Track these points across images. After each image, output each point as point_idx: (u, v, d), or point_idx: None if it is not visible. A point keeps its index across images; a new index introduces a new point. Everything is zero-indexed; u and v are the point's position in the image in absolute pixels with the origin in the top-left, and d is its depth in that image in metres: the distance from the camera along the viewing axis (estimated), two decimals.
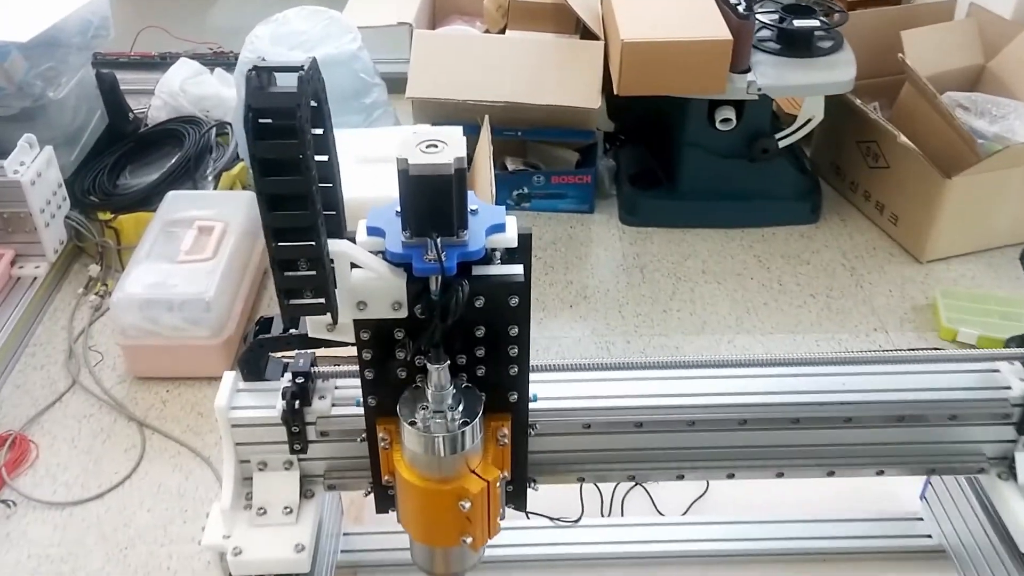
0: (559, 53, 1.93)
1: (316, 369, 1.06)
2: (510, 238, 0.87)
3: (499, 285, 0.86)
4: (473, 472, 0.91)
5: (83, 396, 1.63)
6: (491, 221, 0.86)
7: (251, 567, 1.04)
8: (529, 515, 1.28)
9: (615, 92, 1.81)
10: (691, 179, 2.00)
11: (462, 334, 0.89)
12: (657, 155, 2.11)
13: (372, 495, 1.06)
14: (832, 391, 1.11)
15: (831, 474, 1.14)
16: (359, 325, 0.88)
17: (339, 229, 0.86)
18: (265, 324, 1.14)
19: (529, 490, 1.09)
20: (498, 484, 0.94)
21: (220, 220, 1.72)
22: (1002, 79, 1.97)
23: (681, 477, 1.14)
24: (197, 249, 1.66)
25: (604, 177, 2.12)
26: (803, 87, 1.85)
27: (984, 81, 2.04)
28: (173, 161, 1.91)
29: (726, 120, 1.89)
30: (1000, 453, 1.14)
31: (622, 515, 1.40)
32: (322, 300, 0.83)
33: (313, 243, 0.79)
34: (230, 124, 2.01)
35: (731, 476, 1.15)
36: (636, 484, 1.43)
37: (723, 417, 1.09)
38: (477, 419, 0.89)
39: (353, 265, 0.84)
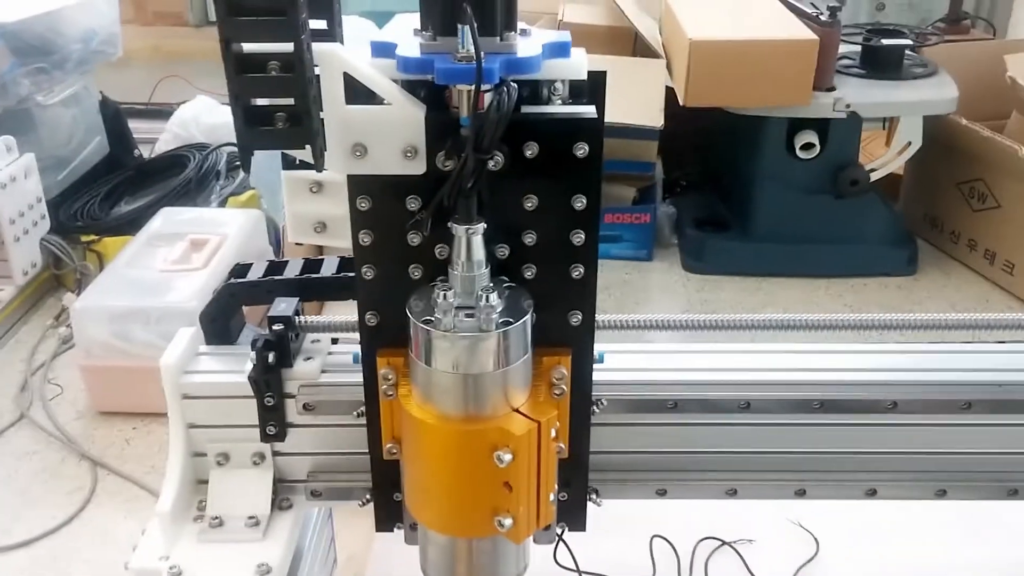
0: (616, 71, 1.70)
1: (303, 319, 0.77)
2: (576, 66, 0.60)
3: (562, 124, 0.59)
4: (517, 411, 0.60)
5: (30, 431, 1.34)
6: (550, 39, 0.60)
7: None
8: (582, 573, 0.97)
9: (681, 102, 1.57)
10: (767, 218, 1.73)
11: (505, 206, 0.61)
12: (725, 198, 1.85)
13: (372, 505, 0.75)
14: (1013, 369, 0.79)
15: (1014, 495, 0.81)
16: (356, 187, 0.60)
17: (332, 36, 0.60)
18: (240, 270, 0.87)
19: (590, 507, 0.78)
20: (552, 437, 0.63)
21: (217, 234, 1.46)
22: None
23: (802, 493, 0.81)
24: (185, 259, 1.39)
25: (664, 225, 1.85)
26: (899, 105, 1.61)
27: None
28: (174, 182, 1.68)
29: (808, 146, 1.64)
30: None
31: None
32: (299, 127, 0.55)
33: (288, 27, 0.52)
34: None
35: (873, 494, 0.82)
36: (726, 545, 1.08)
37: (864, 398, 0.77)
38: (525, 321, 0.59)
39: (350, 92, 0.57)
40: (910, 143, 1.63)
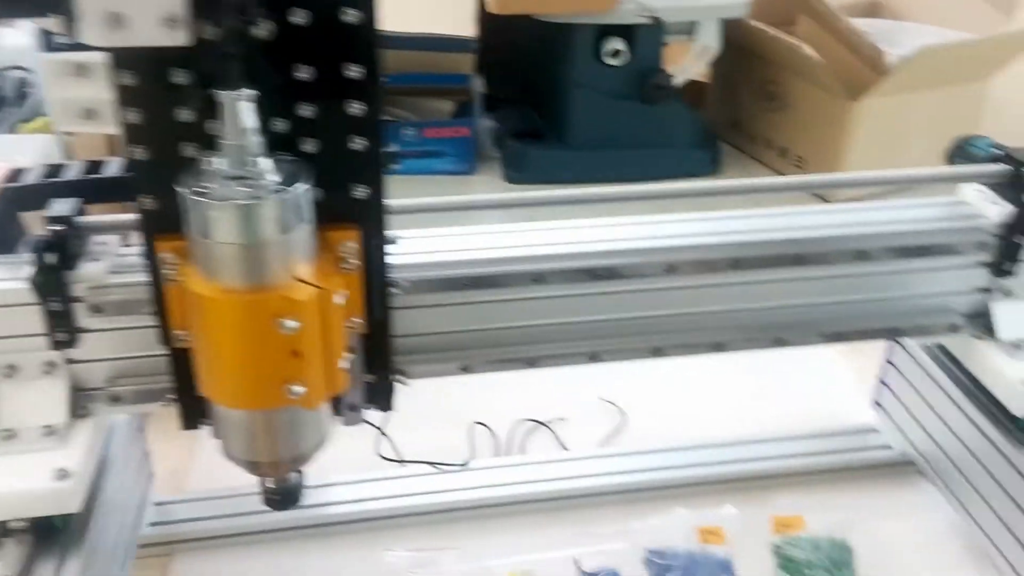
0: None
1: (87, 220, 0.76)
2: None
3: None
4: (301, 280, 0.62)
5: None
6: None
7: None
8: (404, 462, 1.01)
9: (488, 9, 1.59)
10: (581, 126, 1.79)
11: (277, 76, 0.62)
12: (542, 109, 1.90)
13: (178, 407, 0.75)
14: (779, 229, 0.88)
15: (780, 343, 0.90)
16: (117, 62, 0.60)
17: None
18: (15, 175, 0.84)
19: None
20: (341, 306, 0.65)
21: (6, 162, 1.38)
22: (896, 10, 1.87)
23: (596, 358, 0.88)
24: None
25: (484, 139, 1.89)
26: (696, 9, 1.69)
27: (879, 15, 1.94)
28: None
29: (615, 52, 1.71)
30: (973, 309, 0.93)
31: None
32: None
33: None
34: (28, 70, 1.68)
35: (659, 353, 0.89)
36: (541, 425, 1.15)
37: (646, 262, 0.84)
38: (299, 187, 0.60)
39: None
40: (707, 47, 1.72)
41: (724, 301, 0.88)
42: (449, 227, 0.88)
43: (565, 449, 1.12)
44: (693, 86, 2.08)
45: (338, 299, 0.65)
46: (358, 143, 0.66)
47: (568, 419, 1.17)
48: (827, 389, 1.25)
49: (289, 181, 0.60)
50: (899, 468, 1.09)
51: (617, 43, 1.70)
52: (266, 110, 0.61)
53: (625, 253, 0.85)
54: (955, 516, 1.00)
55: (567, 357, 0.88)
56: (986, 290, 0.92)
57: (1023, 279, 0.91)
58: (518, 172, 1.82)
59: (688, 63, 1.75)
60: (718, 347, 0.91)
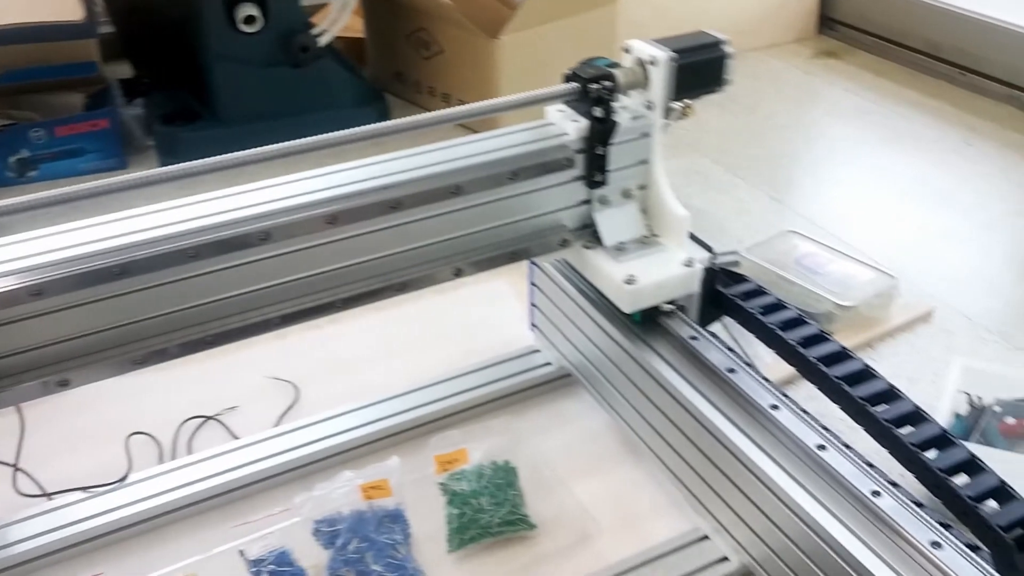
0: None
1: None
2: None
3: None
4: None
5: None
6: None
7: None
8: (50, 495, 0.93)
9: None
10: (232, 101, 1.71)
11: None
12: (190, 89, 1.80)
13: None
14: (375, 177, 0.88)
15: (402, 289, 0.91)
16: None
17: None
18: None
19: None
20: None
21: None
22: None
23: (210, 344, 0.84)
24: None
25: (133, 128, 1.76)
26: None
27: None
28: None
29: (250, 19, 1.64)
30: (580, 222, 0.98)
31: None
32: None
33: None
34: None
35: (330, 309, 0.87)
36: (209, 420, 1.10)
37: (238, 234, 0.81)
38: None
39: None
40: (346, 1, 1.70)
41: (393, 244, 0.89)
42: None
43: (236, 438, 1.08)
44: (352, 43, 2.06)
45: None
46: None
47: (238, 407, 1.13)
48: (500, 321, 1.28)
49: None
50: (559, 383, 1.14)
51: (249, 8, 1.63)
52: None
53: (276, 214, 0.83)
54: (607, 417, 1.07)
55: (188, 346, 0.83)
56: (586, 202, 0.98)
57: (616, 187, 0.98)
58: (173, 158, 1.68)
59: (330, 20, 1.72)
60: (401, 288, 0.90)
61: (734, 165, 1.74)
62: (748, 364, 0.92)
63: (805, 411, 0.85)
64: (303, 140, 0.84)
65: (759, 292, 0.99)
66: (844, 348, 0.90)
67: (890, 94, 2.09)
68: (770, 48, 2.32)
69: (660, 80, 0.93)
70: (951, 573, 0.67)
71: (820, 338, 0.91)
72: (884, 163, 1.80)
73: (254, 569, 0.87)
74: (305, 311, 0.86)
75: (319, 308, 0.86)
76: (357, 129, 0.87)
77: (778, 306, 0.97)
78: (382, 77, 2.00)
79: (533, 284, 1.14)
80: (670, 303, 0.98)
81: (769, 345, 0.95)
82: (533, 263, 1.12)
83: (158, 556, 0.92)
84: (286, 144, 0.84)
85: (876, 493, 0.75)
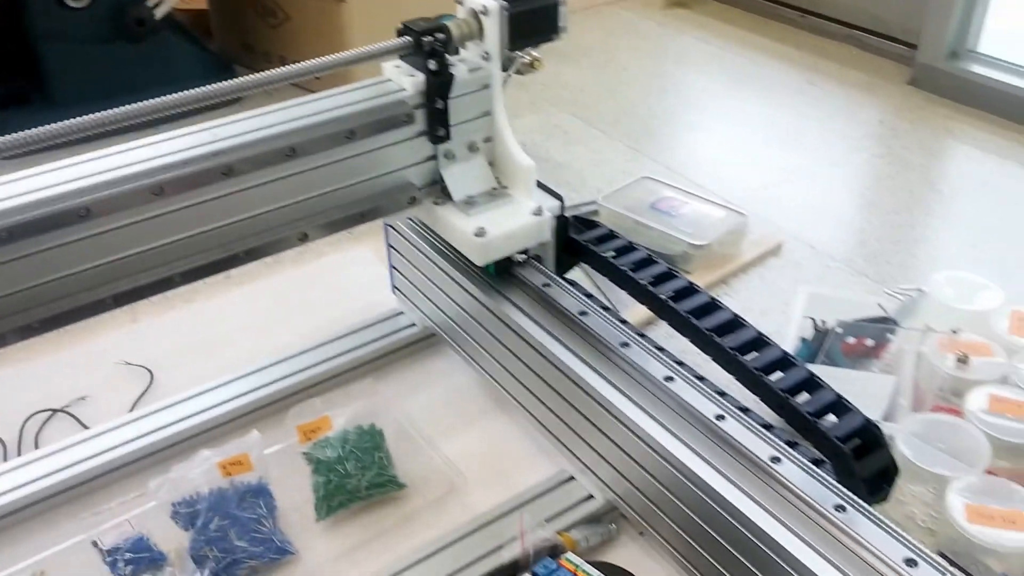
0: None
1: None
2: None
3: None
4: None
5: None
6: None
7: None
8: None
9: None
10: (64, 82, 1.62)
11: None
12: (20, 71, 1.69)
13: None
14: (204, 144, 0.84)
15: (248, 257, 0.88)
16: None
17: None
18: None
19: None
20: None
21: None
22: None
23: (37, 330, 0.79)
24: None
25: None
26: None
27: None
28: None
29: None
30: (429, 178, 0.97)
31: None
32: None
33: None
34: None
35: (171, 284, 0.83)
36: (58, 412, 1.05)
37: (55, 211, 0.77)
38: None
39: None
40: None
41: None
42: None
43: (86, 429, 1.03)
44: (196, 15, 1.98)
45: None
46: None
47: (88, 397, 1.08)
48: (365, 287, 1.25)
49: None
50: (425, 343, 1.14)
51: None
52: None
53: (95, 188, 0.78)
54: (473, 373, 1.07)
55: (75, 313, 0.79)
56: (432, 158, 0.97)
57: (461, 141, 0.97)
58: None
59: None
60: (303, 238, 0.89)
61: (593, 118, 1.76)
62: (605, 308, 0.94)
63: (660, 348, 0.87)
64: (126, 108, 0.79)
65: (611, 236, 1.01)
66: (692, 284, 0.92)
67: (738, 40, 2.15)
68: (623, 0, 2.35)
69: (494, 30, 0.92)
70: (788, 483, 0.71)
71: (669, 275, 0.94)
72: (734, 107, 1.85)
73: (110, 559, 0.83)
74: (140, 288, 0.82)
75: (155, 284, 0.83)
76: (186, 93, 0.82)
77: (629, 248, 0.99)
78: (229, 49, 1.93)
79: (390, 246, 1.13)
80: (523, 253, 0.99)
81: (622, 286, 0.96)
82: (389, 225, 1.10)
83: (7, 557, 0.87)
84: (106, 113, 0.79)
85: (720, 417, 0.77)
